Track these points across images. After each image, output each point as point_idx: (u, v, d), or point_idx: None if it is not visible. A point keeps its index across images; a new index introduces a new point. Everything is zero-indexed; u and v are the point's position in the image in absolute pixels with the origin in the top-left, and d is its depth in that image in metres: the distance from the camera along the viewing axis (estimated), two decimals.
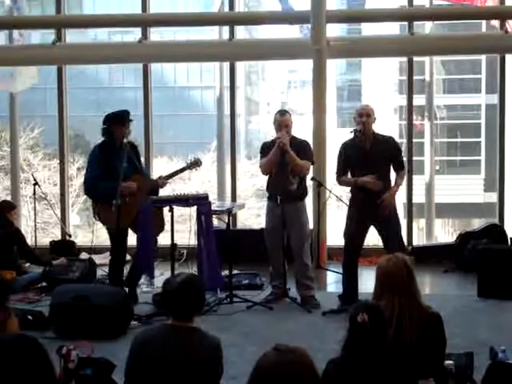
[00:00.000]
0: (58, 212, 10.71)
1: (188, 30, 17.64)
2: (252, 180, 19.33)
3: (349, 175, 6.86)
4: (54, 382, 2.47)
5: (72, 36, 11.44)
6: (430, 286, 8.46)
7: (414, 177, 10.09)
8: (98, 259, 8.81)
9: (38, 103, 21.16)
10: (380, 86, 25.32)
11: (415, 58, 10.39)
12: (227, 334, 5.92)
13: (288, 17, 10.71)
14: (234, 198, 10.43)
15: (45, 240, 10.84)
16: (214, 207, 7.14)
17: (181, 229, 9.84)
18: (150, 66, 10.59)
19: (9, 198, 10.44)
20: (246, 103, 28.25)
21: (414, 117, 10.62)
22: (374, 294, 3.93)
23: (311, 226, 8.73)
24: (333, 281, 8.59)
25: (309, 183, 7.86)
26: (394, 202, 6.80)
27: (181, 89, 29.21)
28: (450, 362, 4.16)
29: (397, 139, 7.26)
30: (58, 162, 10.98)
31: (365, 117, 6.69)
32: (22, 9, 10.72)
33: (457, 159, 24.65)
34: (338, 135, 19.01)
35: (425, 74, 11.61)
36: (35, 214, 10.00)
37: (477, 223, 16.04)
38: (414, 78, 10.35)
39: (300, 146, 7.09)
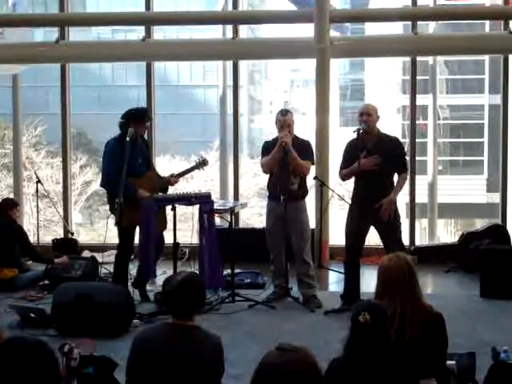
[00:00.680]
0: (61, 210, 10.71)
1: (191, 28, 17.66)
2: (254, 179, 19.33)
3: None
4: None
5: (75, 34, 11.44)
6: (432, 285, 8.45)
7: (417, 177, 10.08)
8: (100, 257, 8.82)
9: (41, 101, 21.19)
10: (383, 85, 25.31)
11: (419, 58, 10.37)
12: (229, 333, 5.93)
13: (291, 16, 10.72)
14: (236, 196, 10.43)
15: (47, 238, 10.84)
16: (216, 206, 7.14)
17: (183, 227, 9.86)
18: (153, 65, 10.58)
19: (11, 196, 10.47)
20: (248, 102, 28.25)
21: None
22: (376, 293, 3.93)
23: (313, 225, 8.73)
24: (335, 280, 8.59)
25: (310, 183, 7.86)
26: (395, 206, 6.75)
27: (184, 87, 29.22)
28: (452, 362, 4.16)
29: (400, 139, 7.25)
30: (61, 159, 10.99)
31: (365, 116, 6.69)
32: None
33: (460, 159, 24.63)
34: (340, 135, 19.02)
35: (428, 74, 11.59)
36: (38, 212, 10.00)
37: (479, 223, 16.01)
38: (418, 77, 10.34)
39: (302, 146, 7.09)
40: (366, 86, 28.23)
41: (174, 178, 7.29)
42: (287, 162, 6.92)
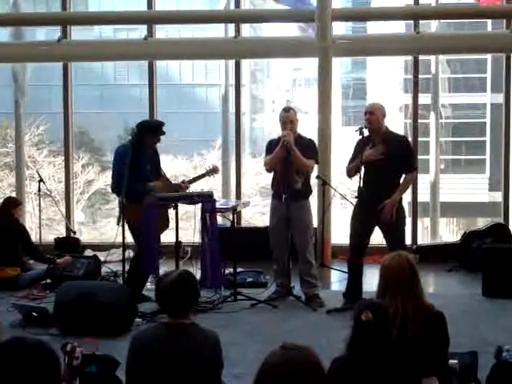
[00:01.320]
0: (63, 209, 10.73)
1: (193, 27, 17.67)
2: (257, 178, 19.32)
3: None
4: None
5: (77, 33, 11.44)
6: (434, 284, 8.45)
7: (419, 175, 10.05)
8: (102, 256, 8.82)
9: (43, 100, 21.19)
10: (385, 84, 25.28)
11: (421, 57, 10.37)
12: (231, 332, 5.94)
13: (294, 15, 10.71)
14: (238, 195, 10.43)
15: (49, 237, 10.85)
16: (218, 205, 7.14)
17: (185, 226, 9.87)
18: (155, 64, 10.59)
19: (14, 195, 10.47)
20: (251, 101, 28.23)
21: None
22: (378, 292, 3.93)
23: (315, 224, 8.73)
24: (337, 279, 8.59)
25: (313, 182, 7.86)
26: (399, 206, 6.72)
27: (186, 86, 29.20)
28: (455, 361, 4.16)
29: (402, 134, 7.19)
30: (63, 158, 11.00)
31: (368, 114, 6.68)
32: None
33: (462, 158, 24.60)
34: (342, 134, 19.01)
35: (430, 73, 11.58)
36: (40, 211, 10.01)
37: (481, 222, 15.99)
38: (420, 76, 10.33)
39: (305, 145, 7.09)
40: (368, 84, 28.20)
41: (184, 184, 7.34)
42: (290, 160, 6.92)
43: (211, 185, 12.16)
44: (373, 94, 26.29)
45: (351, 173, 6.84)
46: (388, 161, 6.58)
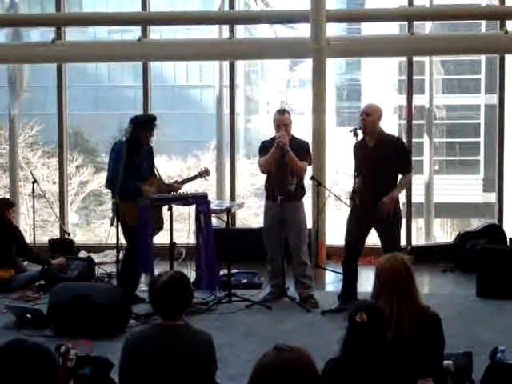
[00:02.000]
0: (57, 210, 10.70)
1: (188, 28, 17.65)
2: (251, 179, 19.32)
3: None
4: None
5: (71, 34, 11.43)
6: (428, 285, 8.46)
7: (413, 176, 10.06)
8: (97, 258, 8.81)
9: (38, 101, 21.16)
10: (379, 85, 25.31)
11: (415, 58, 10.39)
12: (226, 333, 5.93)
13: (288, 16, 10.72)
14: (233, 197, 10.43)
15: (43, 238, 10.82)
16: (213, 206, 7.14)
17: (180, 228, 9.85)
18: (150, 65, 10.58)
19: (8, 196, 10.44)
20: (245, 102, 28.23)
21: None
22: (373, 293, 3.93)
23: (310, 225, 8.73)
24: (331, 280, 8.59)
25: (308, 183, 7.86)
26: (396, 205, 6.72)
27: (180, 87, 29.19)
28: (449, 361, 4.17)
29: (403, 139, 7.20)
30: (57, 160, 10.98)
31: (363, 115, 6.69)
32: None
33: (456, 159, 24.64)
34: (337, 134, 19.02)
35: (424, 74, 11.60)
36: (34, 212, 9.99)
37: (476, 223, 16.02)
38: (414, 77, 10.35)
39: (299, 147, 7.09)
40: (362, 85, 28.23)
41: (176, 185, 7.34)
42: (285, 162, 6.92)
43: (206, 186, 12.16)
44: (367, 95, 26.30)
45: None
46: (384, 162, 6.58)
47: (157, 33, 13.54)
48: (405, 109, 11.00)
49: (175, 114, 26.79)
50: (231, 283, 7.31)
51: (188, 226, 7.38)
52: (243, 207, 9.66)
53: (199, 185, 9.92)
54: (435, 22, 11.00)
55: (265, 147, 7.18)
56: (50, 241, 9.93)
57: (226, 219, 7.50)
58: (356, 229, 6.71)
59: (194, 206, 6.95)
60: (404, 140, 8.59)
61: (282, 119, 7.05)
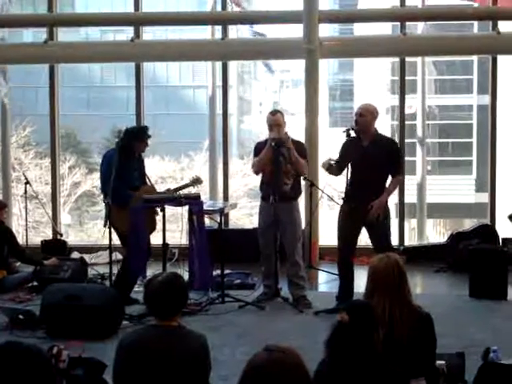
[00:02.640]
0: (50, 211, 10.68)
1: (180, 29, 17.64)
2: (244, 180, 19.34)
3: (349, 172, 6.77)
4: None
5: (64, 35, 11.41)
6: (421, 285, 8.47)
7: (406, 177, 10.08)
8: (89, 258, 8.79)
9: (30, 102, 21.12)
10: (372, 86, 25.35)
11: (407, 59, 10.41)
12: (219, 334, 5.93)
13: (280, 16, 10.73)
14: (226, 197, 10.43)
15: (36, 239, 10.81)
16: (205, 207, 7.14)
17: (172, 228, 9.85)
18: (143, 65, 10.57)
19: (0, 197, 10.41)
20: (238, 103, 28.25)
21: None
22: (366, 293, 3.94)
23: (303, 225, 8.73)
24: (324, 280, 8.60)
25: (302, 183, 7.86)
26: (385, 208, 6.73)
27: (173, 88, 29.18)
28: (442, 362, 4.17)
29: (391, 137, 7.21)
30: (50, 160, 10.96)
31: (357, 116, 6.70)
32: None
33: (448, 159, 24.70)
34: (329, 135, 19.04)
35: (417, 75, 11.62)
36: (26, 213, 9.97)
37: (468, 223, 16.08)
38: (406, 78, 10.37)
39: (296, 147, 7.09)
40: (355, 86, 28.27)
41: (169, 193, 7.31)
42: (280, 162, 6.93)
43: (199, 187, 12.14)
44: (360, 95, 26.35)
45: (332, 171, 6.82)
46: (376, 162, 6.59)
47: (149, 33, 13.52)
48: (397, 109, 10.99)
49: (168, 114, 26.78)
50: (224, 284, 7.30)
51: (181, 227, 7.38)
52: (236, 208, 9.66)
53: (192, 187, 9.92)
54: (427, 22, 11.02)
55: (259, 148, 7.18)
56: (42, 242, 9.91)
57: (218, 220, 7.50)
58: (346, 229, 6.71)
59: (186, 207, 6.94)
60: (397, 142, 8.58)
61: (274, 119, 7.05)
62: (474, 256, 7.60)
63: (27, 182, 9.77)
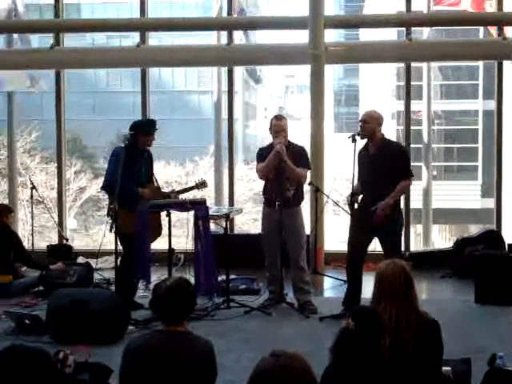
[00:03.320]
0: (55, 216, 10.70)
1: (186, 34, 17.67)
2: (249, 185, 19.34)
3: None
4: None
5: (70, 40, 11.45)
6: (427, 291, 8.45)
7: (412, 182, 10.06)
8: (95, 263, 8.80)
9: (36, 107, 21.17)
10: (377, 91, 25.35)
11: (413, 64, 10.41)
12: (224, 339, 5.92)
13: (286, 22, 10.74)
14: (231, 202, 10.43)
15: (42, 244, 10.82)
16: (211, 212, 7.14)
17: (178, 233, 9.85)
18: (148, 71, 10.59)
19: (6, 202, 10.44)
20: (243, 108, 28.27)
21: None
22: (373, 299, 3.93)
23: (308, 231, 8.74)
24: (330, 286, 8.60)
25: (306, 188, 7.85)
26: (395, 211, 6.71)
27: (178, 93, 29.23)
28: (448, 368, 4.16)
29: (404, 146, 7.17)
30: (56, 165, 10.98)
31: (362, 123, 6.70)
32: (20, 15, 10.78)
33: (454, 165, 24.67)
34: (335, 140, 19.04)
35: (422, 80, 11.62)
36: (32, 218, 9.99)
37: (474, 229, 16.04)
38: (412, 83, 10.36)
39: (296, 153, 7.09)
40: (360, 91, 28.28)
41: (173, 194, 7.33)
42: (282, 168, 6.92)
43: (204, 192, 12.14)
44: (365, 100, 26.36)
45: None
46: (384, 169, 6.58)
47: (155, 39, 13.56)
48: (403, 114, 10.97)
49: (173, 119, 26.81)
50: (230, 289, 7.30)
51: (186, 232, 7.38)
52: (241, 213, 9.67)
53: (197, 190, 9.93)
54: (433, 28, 11.02)
55: (262, 154, 7.18)
56: (48, 246, 9.93)
57: (224, 225, 7.50)
58: (357, 234, 6.70)
59: (192, 212, 6.95)
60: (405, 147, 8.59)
61: (279, 125, 7.05)
62: (480, 262, 7.58)
63: (33, 187, 9.79)
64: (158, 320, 6.12)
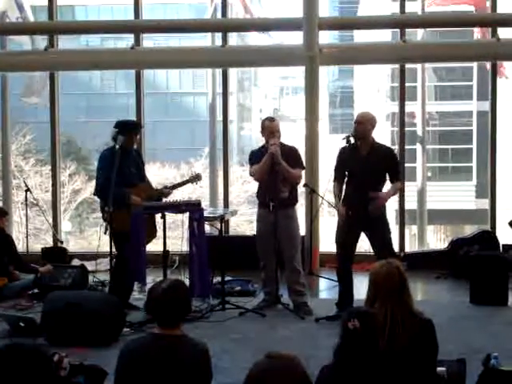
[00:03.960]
0: (50, 218, 10.68)
1: (181, 36, 17.69)
2: (244, 186, 19.35)
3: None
4: None
5: (64, 42, 11.43)
6: (422, 292, 8.47)
7: (406, 183, 10.10)
8: (90, 266, 8.79)
9: (30, 109, 21.14)
10: (372, 92, 25.39)
11: (407, 65, 10.42)
12: (219, 341, 5.92)
13: (280, 23, 10.75)
14: (226, 204, 10.42)
15: (36, 246, 10.81)
16: (206, 214, 7.13)
17: (173, 235, 9.85)
18: (143, 72, 10.58)
19: (0, 205, 10.42)
20: (238, 109, 28.29)
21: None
22: (367, 299, 3.93)
23: (303, 232, 8.74)
24: (325, 287, 8.60)
25: (300, 190, 7.84)
26: (383, 210, 6.75)
27: (173, 95, 29.24)
28: (443, 368, 4.16)
29: (394, 150, 7.24)
30: (50, 168, 10.96)
31: (356, 124, 6.72)
32: (27, 17, 10.80)
33: (449, 166, 24.73)
34: (330, 142, 19.05)
35: (417, 81, 11.65)
36: (27, 221, 9.97)
37: (469, 230, 16.08)
38: (406, 84, 10.38)
39: (289, 154, 7.08)
40: (355, 92, 28.33)
41: (167, 190, 7.31)
42: (276, 170, 6.92)
43: (199, 193, 12.15)
44: (360, 102, 26.40)
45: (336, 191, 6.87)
46: (375, 171, 6.61)
47: (149, 41, 13.56)
48: (397, 116, 10.98)
49: (168, 121, 26.83)
50: (225, 291, 7.30)
51: (181, 234, 7.38)
52: (236, 214, 9.66)
53: (192, 192, 9.94)
54: (427, 29, 11.04)
55: (254, 156, 7.18)
56: (42, 249, 9.91)
57: (219, 226, 7.49)
58: (344, 237, 6.72)
59: (187, 214, 6.94)
60: (395, 149, 8.61)
61: (273, 126, 7.05)
62: (475, 262, 7.60)
63: (28, 190, 9.78)
64: (153, 322, 6.13)
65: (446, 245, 10.14)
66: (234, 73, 23.93)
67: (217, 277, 7.43)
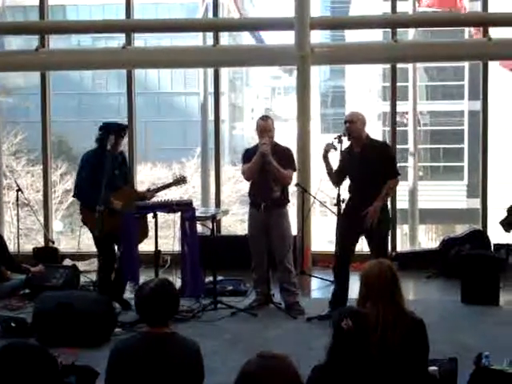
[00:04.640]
0: (41, 218, 10.65)
1: (172, 36, 17.67)
2: (236, 186, 19.34)
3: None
4: None
5: (55, 42, 11.40)
6: (413, 291, 8.47)
7: (399, 181, 10.09)
8: (81, 266, 8.77)
9: (21, 109, 21.09)
10: (363, 92, 25.43)
11: (398, 65, 10.43)
12: (211, 341, 5.91)
13: (272, 23, 10.75)
14: (218, 203, 10.41)
15: (28, 246, 10.76)
16: (198, 213, 7.12)
17: (165, 235, 9.83)
18: (134, 72, 10.56)
19: None
20: (230, 109, 28.28)
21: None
22: (359, 299, 3.94)
23: (295, 232, 8.73)
24: (317, 287, 8.60)
25: (292, 189, 7.84)
26: (385, 212, 6.75)
27: (165, 95, 29.21)
28: (435, 367, 4.17)
29: (388, 144, 7.21)
30: (41, 168, 10.92)
31: (348, 123, 6.72)
32: None
33: (440, 165, 24.78)
34: (321, 141, 19.06)
35: (408, 81, 11.67)
36: (18, 221, 9.92)
37: (460, 229, 16.11)
38: (398, 84, 10.39)
39: (282, 154, 7.08)
40: (346, 92, 28.36)
41: (150, 193, 7.23)
42: (268, 169, 6.92)
43: (191, 193, 12.14)
44: (351, 101, 26.44)
45: (333, 180, 6.84)
46: (370, 168, 6.60)
47: (141, 40, 13.54)
48: (388, 115, 11.00)
49: (160, 121, 26.78)
50: (216, 290, 7.30)
51: (173, 234, 7.37)
52: (228, 214, 9.67)
53: (184, 192, 9.93)
54: (418, 28, 11.06)
55: (248, 155, 7.17)
56: (34, 249, 9.87)
57: (210, 226, 7.49)
58: (344, 235, 6.71)
59: (179, 214, 6.94)
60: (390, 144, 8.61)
61: (265, 125, 7.04)
62: (466, 262, 7.62)
63: (19, 190, 9.73)
64: (144, 322, 6.14)
65: (437, 244, 10.15)
66: (225, 72, 23.93)
67: (208, 276, 7.42)
